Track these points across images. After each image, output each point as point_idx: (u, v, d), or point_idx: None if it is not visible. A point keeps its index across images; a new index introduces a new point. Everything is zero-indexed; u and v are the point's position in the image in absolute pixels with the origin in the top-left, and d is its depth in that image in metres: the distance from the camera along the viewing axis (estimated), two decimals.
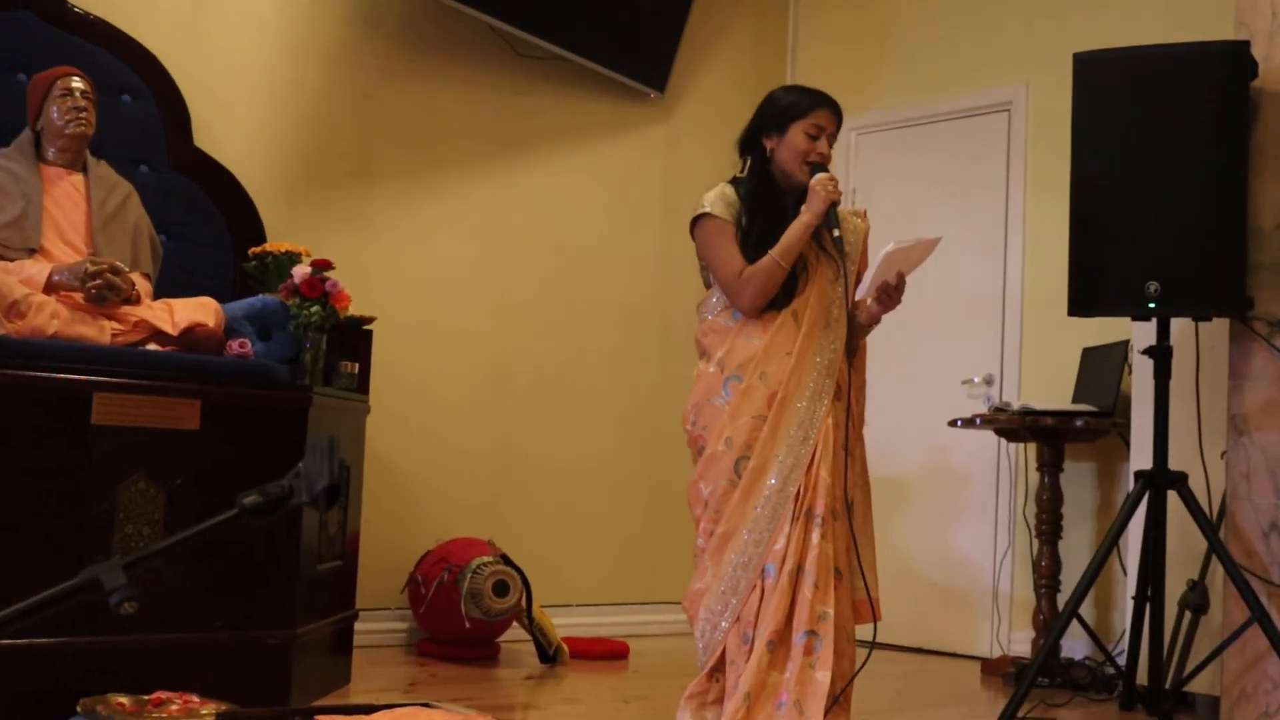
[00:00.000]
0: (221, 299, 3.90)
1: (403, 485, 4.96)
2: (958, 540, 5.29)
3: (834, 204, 3.02)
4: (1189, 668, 3.83)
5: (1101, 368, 4.71)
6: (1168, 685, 3.80)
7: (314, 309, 3.76)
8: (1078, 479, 4.92)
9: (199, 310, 3.70)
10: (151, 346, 3.58)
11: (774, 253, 3.00)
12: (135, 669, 3.24)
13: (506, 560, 4.58)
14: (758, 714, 2.86)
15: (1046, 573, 4.67)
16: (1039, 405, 4.61)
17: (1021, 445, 5.02)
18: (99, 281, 3.53)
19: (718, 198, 3.11)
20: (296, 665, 3.52)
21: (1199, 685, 3.86)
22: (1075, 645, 4.62)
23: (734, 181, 3.16)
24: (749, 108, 3.25)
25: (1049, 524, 4.70)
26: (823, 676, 2.85)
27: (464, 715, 2.84)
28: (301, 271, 3.81)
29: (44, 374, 3.27)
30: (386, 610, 4.85)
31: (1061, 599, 4.62)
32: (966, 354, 5.33)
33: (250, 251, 4.20)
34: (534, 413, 5.32)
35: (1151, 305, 3.52)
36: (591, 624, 5.25)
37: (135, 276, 3.72)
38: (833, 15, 5.93)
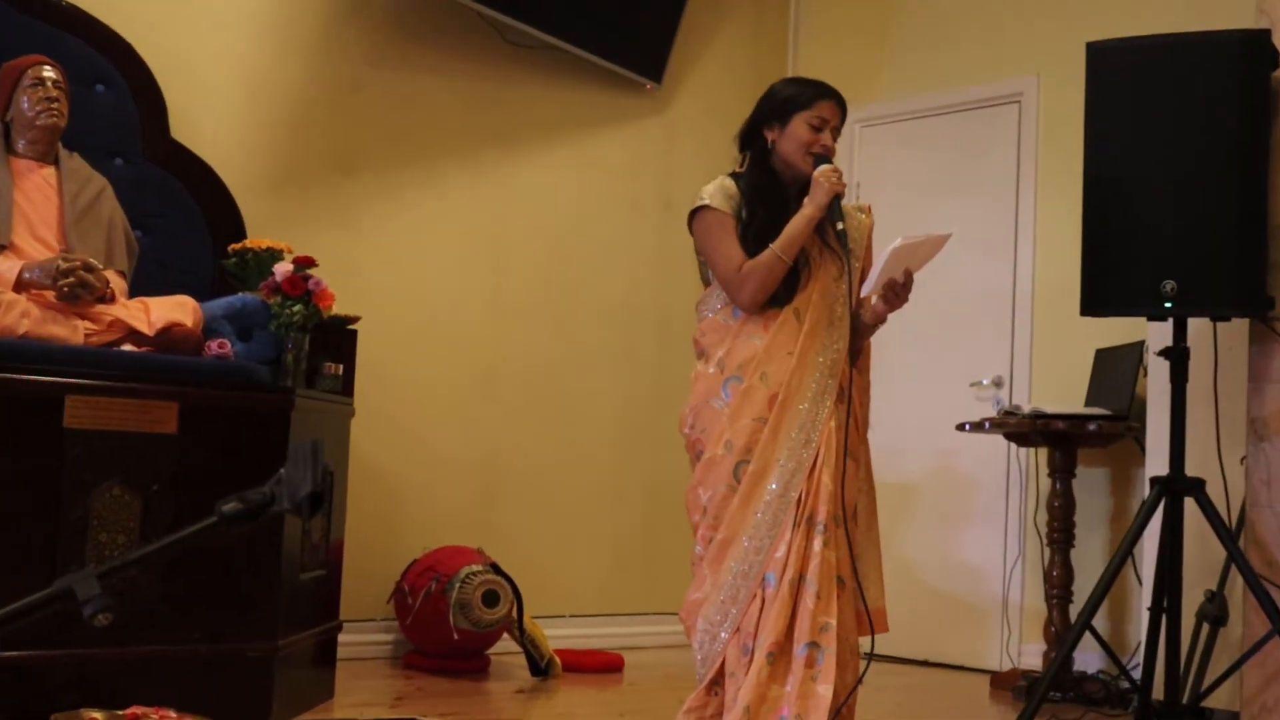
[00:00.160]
0: (200, 297, 3.89)
1: (389, 491, 4.96)
2: (966, 549, 5.29)
3: (838, 196, 3.01)
4: (1207, 682, 3.83)
5: (1115, 370, 4.71)
6: (1185, 700, 3.79)
7: (296, 308, 3.76)
8: (1091, 485, 4.92)
9: (176, 309, 3.69)
10: (127, 347, 3.57)
11: (775, 246, 3.00)
12: (110, 683, 3.23)
13: (496, 569, 4.58)
14: None
15: (1058, 583, 4.67)
16: (1050, 408, 4.61)
17: (1032, 450, 5.02)
18: (72, 279, 3.52)
19: (717, 190, 3.11)
20: (278, 679, 3.51)
21: (1217, 700, 3.86)
22: (1088, 658, 4.62)
23: (734, 175, 3.16)
24: (749, 98, 3.25)
25: (1061, 532, 4.70)
26: (825, 690, 2.85)
27: None
28: (283, 269, 3.81)
29: (14, 375, 3.26)
30: (372, 621, 4.85)
31: (1074, 610, 4.62)
32: (975, 355, 5.33)
33: (230, 248, 4.20)
34: (526, 416, 5.32)
35: (1168, 305, 3.51)
36: (585, 635, 5.24)
37: (109, 274, 3.71)
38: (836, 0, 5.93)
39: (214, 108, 4.70)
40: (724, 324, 3.11)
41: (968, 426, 4.87)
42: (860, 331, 3.14)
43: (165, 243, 4.36)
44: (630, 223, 5.62)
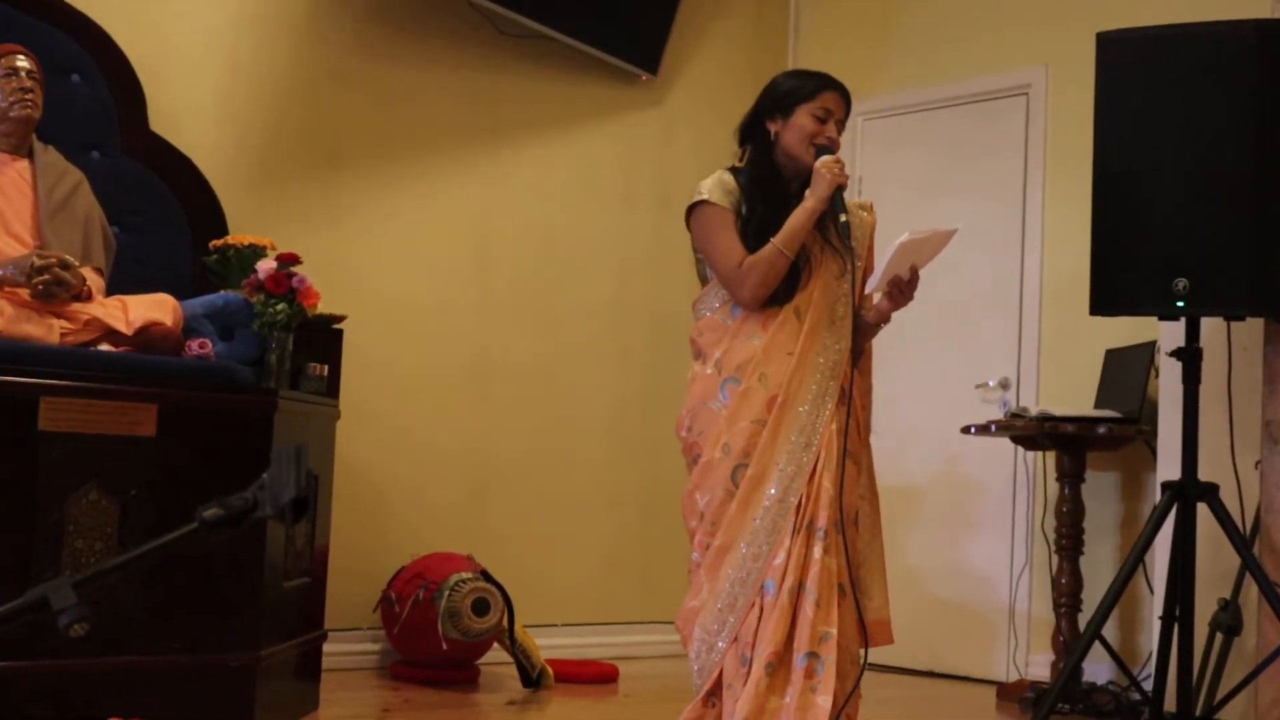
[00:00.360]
0: (180, 295, 3.89)
1: (375, 496, 4.96)
2: (971, 556, 5.29)
3: (840, 188, 3.02)
4: (1220, 694, 3.84)
5: (1126, 371, 4.71)
6: (1198, 712, 3.80)
7: (280, 306, 3.76)
8: (1100, 490, 4.93)
9: (155, 308, 3.69)
10: (104, 347, 3.57)
11: (776, 240, 3.00)
12: (86, 695, 3.23)
13: (487, 576, 4.58)
14: None
15: (1067, 591, 4.68)
16: (1059, 411, 4.61)
17: (1040, 454, 5.03)
18: (47, 276, 3.52)
19: (715, 184, 3.11)
20: (260, 690, 3.51)
21: (1231, 713, 3.87)
22: (1098, 669, 4.63)
23: (733, 169, 3.16)
24: (748, 88, 3.26)
25: (1069, 538, 4.70)
26: (824, 701, 2.85)
27: None
28: (266, 266, 3.81)
29: None
30: (358, 630, 4.85)
31: (1083, 619, 4.62)
32: (981, 355, 5.34)
33: (211, 244, 4.19)
34: (517, 418, 5.32)
35: (1180, 304, 3.52)
36: (578, 645, 5.25)
37: (86, 271, 3.71)
38: None
39: (195, 99, 4.70)
40: (722, 323, 3.11)
41: (973, 429, 4.87)
42: (863, 331, 3.15)
43: (144, 239, 4.35)
44: (624, 218, 5.63)
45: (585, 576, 5.45)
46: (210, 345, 3.74)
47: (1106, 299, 3.64)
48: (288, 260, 3.84)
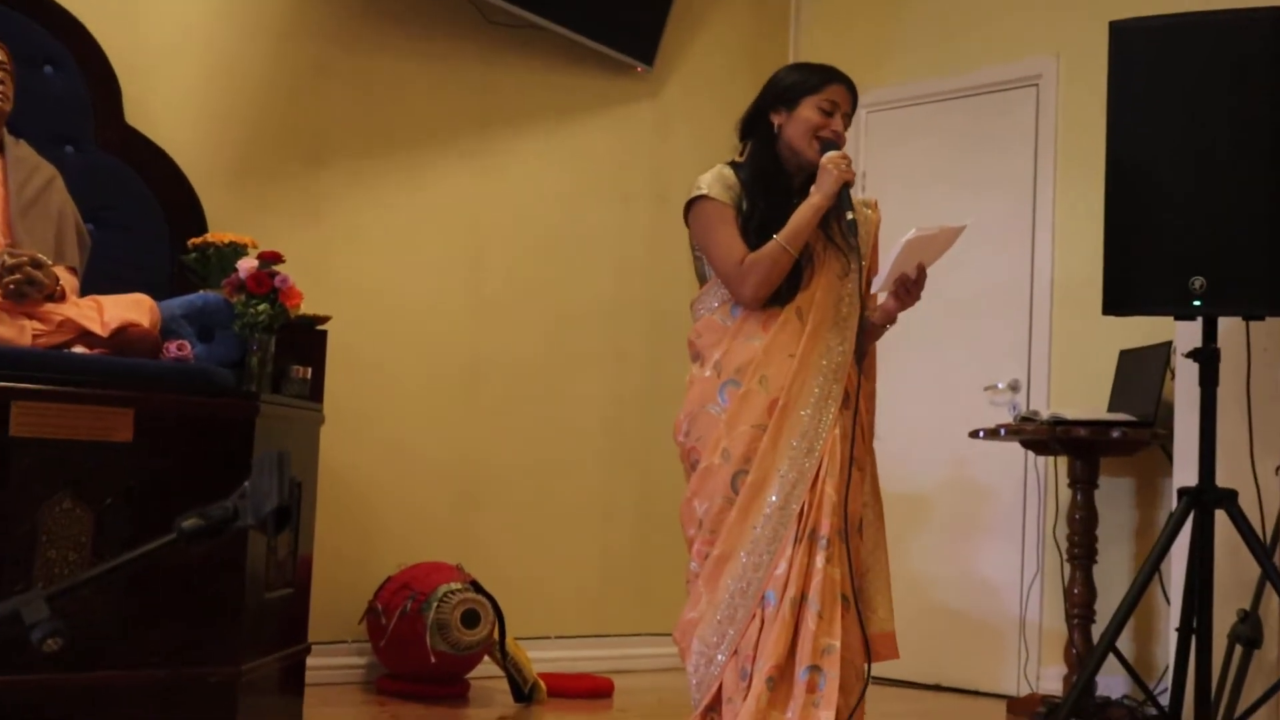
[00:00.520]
0: (157, 295, 3.88)
1: (361, 504, 4.95)
2: (980, 565, 5.29)
3: (847, 184, 3.01)
4: (1240, 708, 3.83)
5: (1141, 372, 4.72)
6: None
7: (261, 307, 3.75)
8: (1114, 497, 4.93)
9: (132, 308, 3.68)
10: (78, 349, 3.56)
11: (780, 237, 3.00)
12: (61, 712, 3.22)
13: (477, 587, 4.58)
14: None
15: (1079, 601, 4.68)
16: (1071, 414, 4.61)
17: (1051, 459, 5.03)
18: (18, 276, 3.51)
19: (715, 179, 3.11)
20: (241, 705, 3.50)
21: None
22: (1112, 682, 4.63)
23: (733, 164, 3.16)
24: (748, 80, 3.26)
25: (1082, 547, 4.70)
26: (827, 716, 2.85)
27: None
28: (247, 265, 3.80)
29: None
30: (343, 644, 4.84)
31: (1096, 631, 4.62)
32: (990, 357, 5.34)
33: (190, 242, 4.18)
34: (509, 422, 5.32)
35: (1196, 303, 3.52)
36: (572, 658, 5.24)
37: (59, 270, 3.69)
38: None
39: (173, 92, 4.69)
40: (721, 324, 3.11)
41: (982, 434, 4.87)
42: (868, 332, 3.15)
43: (120, 237, 4.34)
44: (620, 215, 5.62)
45: (579, 587, 5.44)
46: (189, 347, 3.73)
47: (1120, 298, 3.64)
48: (270, 259, 3.84)
